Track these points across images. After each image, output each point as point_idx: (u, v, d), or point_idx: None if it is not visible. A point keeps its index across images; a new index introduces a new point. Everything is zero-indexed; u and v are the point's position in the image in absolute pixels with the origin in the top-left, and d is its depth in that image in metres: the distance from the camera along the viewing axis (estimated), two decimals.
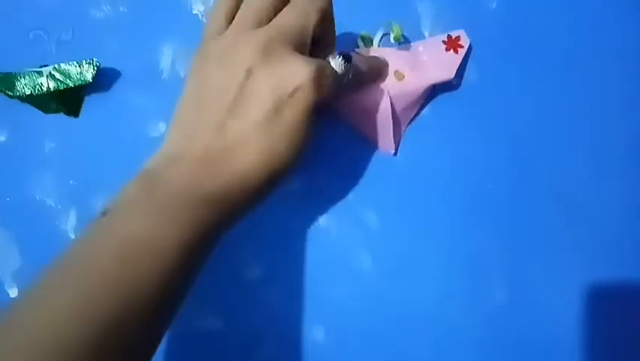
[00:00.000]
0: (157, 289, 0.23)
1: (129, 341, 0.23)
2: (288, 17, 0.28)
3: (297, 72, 0.26)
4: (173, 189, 0.25)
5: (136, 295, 0.23)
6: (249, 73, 0.26)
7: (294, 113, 0.26)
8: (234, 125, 0.26)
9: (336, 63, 0.29)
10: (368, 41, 0.34)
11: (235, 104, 0.26)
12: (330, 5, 0.29)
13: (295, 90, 0.26)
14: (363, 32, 0.34)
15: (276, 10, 0.29)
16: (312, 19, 0.28)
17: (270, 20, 0.28)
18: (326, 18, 0.29)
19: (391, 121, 0.33)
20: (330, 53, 0.31)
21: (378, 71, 0.33)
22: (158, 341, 0.25)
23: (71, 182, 0.33)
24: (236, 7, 0.29)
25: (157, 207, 0.25)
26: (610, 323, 0.32)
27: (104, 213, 0.25)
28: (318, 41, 0.30)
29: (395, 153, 0.34)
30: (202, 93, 0.27)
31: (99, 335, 0.22)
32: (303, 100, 0.26)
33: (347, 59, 0.29)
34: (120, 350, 0.23)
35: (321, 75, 0.27)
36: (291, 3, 0.29)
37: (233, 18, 0.29)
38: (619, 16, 0.35)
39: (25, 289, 0.23)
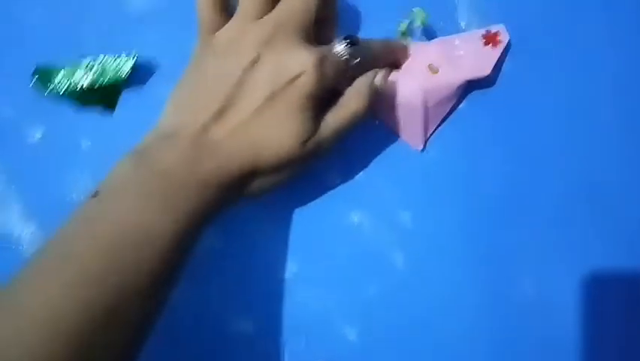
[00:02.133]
0: (153, 270, 0.25)
1: (128, 315, 0.24)
2: (290, 4, 0.29)
3: (300, 59, 0.27)
4: (166, 169, 0.26)
5: (132, 275, 0.24)
6: (253, 62, 0.27)
7: (292, 100, 0.27)
8: (233, 109, 0.27)
9: (341, 47, 0.29)
10: (405, 36, 0.34)
11: (236, 91, 0.27)
12: None
13: (296, 77, 0.27)
14: (401, 27, 0.33)
15: None
16: (314, 1, 0.29)
17: (272, 8, 0.29)
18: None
19: (422, 115, 0.33)
20: (333, 28, 0.32)
21: (394, 53, 0.33)
22: (157, 316, 0.26)
23: None
24: None
25: (149, 190, 0.25)
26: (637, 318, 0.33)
27: (95, 194, 0.25)
28: (320, 20, 0.30)
29: (423, 149, 0.34)
30: (203, 79, 0.28)
31: (98, 311, 0.23)
32: (303, 86, 0.27)
33: (353, 42, 0.29)
34: (119, 326, 0.24)
35: (325, 62, 0.28)
36: None
37: (224, 7, 0.30)
38: None
39: (25, 266, 0.24)
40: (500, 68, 0.34)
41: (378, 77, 0.31)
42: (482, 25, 0.34)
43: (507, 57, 0.34)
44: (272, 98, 0.27)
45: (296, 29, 0.28)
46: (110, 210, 0.25)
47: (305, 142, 0.28)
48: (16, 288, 0.23)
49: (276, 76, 0.27)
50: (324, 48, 0.29)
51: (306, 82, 0.27)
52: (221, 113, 0.27)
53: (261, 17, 0.29)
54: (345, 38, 0.29)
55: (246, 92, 0.27)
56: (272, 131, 0.27)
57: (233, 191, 0.28)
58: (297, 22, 0.28)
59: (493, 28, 0.34)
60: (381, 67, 0.32)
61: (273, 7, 0.29)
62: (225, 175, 0.27)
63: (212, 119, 0.27)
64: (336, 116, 0.29)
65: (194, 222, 0.26)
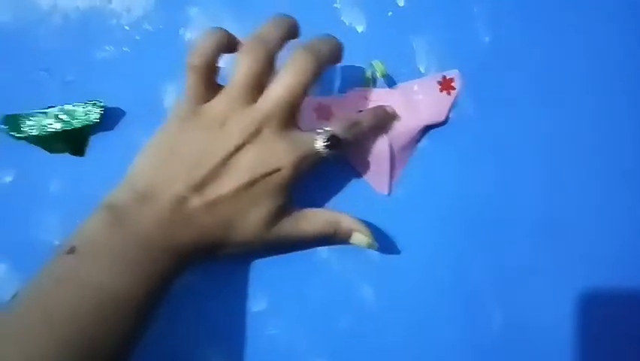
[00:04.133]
0: (126, 330, 0.27)
1: None
2: (278, 92, 0.29)
3: (280, 156, 0.29)
4: (144, 236, 0.28)
5: (106, 336, 0.26)
6: (237, 148, 0.29)
7: (268, 188, 0.29)
8: (213, 185, 0.29)
9: (320, 145, 0.30)
10: (370, 81, 0.35)
11: (217, 170, 0.29)
12: (319, 68, 0.30)
13: (275, 170, 0.29)
14: (367, 73, 0.35)
15: (267, 80, 0.30)
16: (301, 88, 0.30)
17: (261, 92, 0.30)
18: (315, 81, 0.30)
19: (388, 160, 0.34)
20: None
21: (380, 124, 0.34)
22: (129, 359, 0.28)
23: (77, 222, 0.33)
24: (213, 73, 0.30)
25: (126, 256, 0.27)
26: (601, 336, 0.34)
27: (72, 250, 0.27)
28: None
29: (389, 193, 0.35)
30: (186, 147, 0.29)
31: None
32: (280, 179, 0.29)
33: (334, 144, 0.30)
34: None
35: (303, 160, 0.30)
36: (280, 75, 0.30)
37: (213, 83, 0.31)
38: (613, 53, 0.37)
39: (3, 325, 0.25)
40: (457, 108, 0.36)
41: (357, 237, 0.32)
42: (440, 69, 0.36)
43: (465, 97, 0.36)
44: (250, 184, 0.29)
45: (280, 123, 0.30)
46: (86, 273, 0.26)
47: (270, 226, 0.30)
48: None
49: (257, 166, 0.29)
50: (304, 141, 0.30)
51: (284, 176, 0.30)
52: (202, 186, 0.29)
53: (251, 100, 0.30)
54: (327, 139, 0.30)
55: (227, 173, 0.29)
56: (244, 211, 0.29)
57: (204, 255, 0.30)
58: (283, 114, 0.30)
59: (449, 74, 0.35)
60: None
61: (263, 88, 0.30)
62: (199, 245, 0.29)
63: (193, 190, 0.28)
64: (302, 224, 0.31)
65: (167, 283, 0.29)
